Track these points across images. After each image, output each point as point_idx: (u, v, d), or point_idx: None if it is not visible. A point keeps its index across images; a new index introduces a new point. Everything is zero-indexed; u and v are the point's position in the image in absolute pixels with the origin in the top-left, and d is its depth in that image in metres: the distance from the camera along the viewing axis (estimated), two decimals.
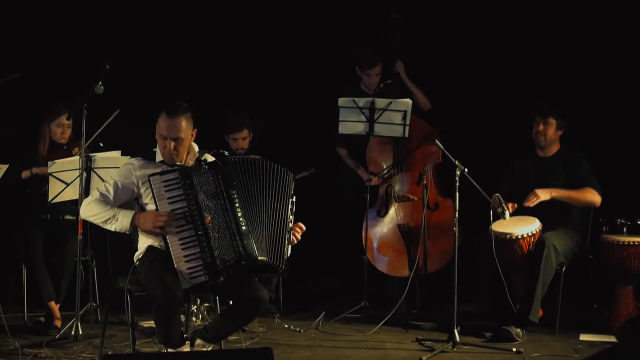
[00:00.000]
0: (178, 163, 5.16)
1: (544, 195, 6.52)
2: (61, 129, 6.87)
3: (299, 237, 5.23)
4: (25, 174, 6.75)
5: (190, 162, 5.21)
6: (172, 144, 5.12)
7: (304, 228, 5.26)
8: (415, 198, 7.19)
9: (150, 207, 5.10)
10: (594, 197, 6.59)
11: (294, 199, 5.20)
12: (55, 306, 6.61)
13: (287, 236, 5.11)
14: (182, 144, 5.15)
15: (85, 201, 5.19)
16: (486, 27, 7.91)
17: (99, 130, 6.31)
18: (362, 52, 7.44)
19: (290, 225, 5.15)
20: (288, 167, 6.61)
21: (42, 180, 6.65)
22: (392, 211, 7.28)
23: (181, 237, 4.97)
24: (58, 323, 6.54)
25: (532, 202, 6.50)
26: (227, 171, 5.07)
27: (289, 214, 5.15)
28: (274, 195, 5.13)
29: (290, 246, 5.17)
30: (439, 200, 7.19)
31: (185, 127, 5.14)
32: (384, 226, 7.30)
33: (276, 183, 5.15)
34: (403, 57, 7.45)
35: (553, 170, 6.72)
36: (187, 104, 5.24)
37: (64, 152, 6.81)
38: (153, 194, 4.99)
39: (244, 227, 4.99)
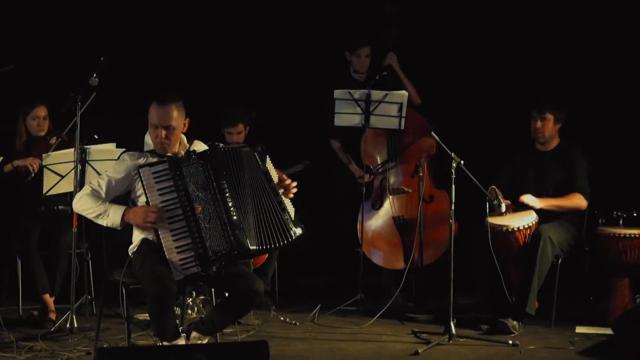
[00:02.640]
0: (169, 154, 5.14)
1: (534, 201, 6.51)
2: (37, 121, 6.83)
3: (292, 185, 5.20)
4: (7, 167, 6.70)
5: (182, 153, 5.19)
6: (164, 132, 5.10)
7: (294, 183, 5.24)
8: (410, 190, 7.18)
9: (142, 199, 5.09)
10: (580, 202, 6.58)
11: (266, 165, 5.16)
12: (49, 299, 6.60)
13: (279, 207, 5.09)
14: (174, 132, 5.13)
15: (78, 195, 5.17)
16: (485, 19, 7.89)
17: (77, 116, 6.22)
18: (351, 35, 7.46)
19: (277, 193, 5.12)
20: (284, 160, 6.61)
21: (25, 175, 6.63)
22: (387, 204, 7.26)
23: (172, 229, 4.96)
24: (52, 316, 6.53)
25: (524, 198, 6.49)
26: (216, 161, 5.05)
27: (267, 187, 5.10)
28: (251, 177, 5.10)
29: (290, 207, 5.15)
30: (433, 192, 7.18)
31: (177, 115, 5.12)
32: (379, 219, 7.29)
33: (248, 163, 5.12)
34: (400, 49, 7.43)
35: (551, 164, 6.70)
36: (177, 93, 5.22)
37: (43, 144, 6.76)
38: (143, 185, 4.98)
39: (235, 217, 4.97)
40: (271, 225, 5.05)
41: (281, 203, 5.13)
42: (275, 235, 5.05)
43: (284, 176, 5.26)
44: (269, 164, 5.22)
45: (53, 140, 6.75)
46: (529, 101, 6.86)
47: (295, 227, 5.11)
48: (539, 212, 6.52)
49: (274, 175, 5.21)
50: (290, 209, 5.17)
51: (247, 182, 5.09)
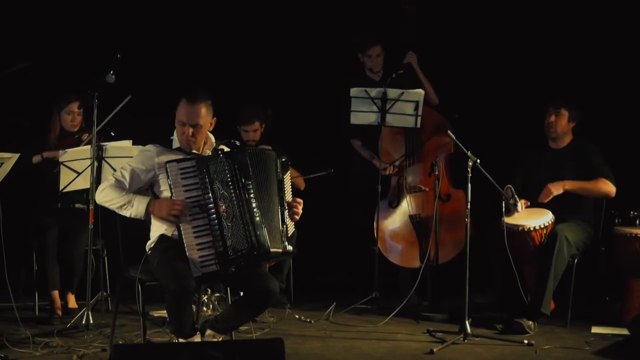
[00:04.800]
0: (194, 151, 5.16)
1: (556, 189, 6.50)
2: (71, 116, 6.87)
3: (299, 211, 5.23)
4: (36, 158, 6.75)
5: (208, 152, 5.21)
6: (191, 130, 5.12)
7: (301, 201, 5.27)
8: (427, 189, 7.17)
9: (165, 194, 5.09)
10: (607, 187, 6.56)
11: (283, 177, 5.19)
12: (57, 295, 6.64)
13: (283, 217, 5.11)
14: (201, 131, 5.15)
15: (101, 187, 5.18)
16: (499, 17, 7.88)
17: (109, 117, 6.30)
18: (360, 35, 7.46)
19: (284, 205, 5.15)
20: (302, 159, 6.61)
21: (53, 166, 6.66)
22: (403, 202, 7.25)
23: (195, 225, 4.97)
24: (59, 312, 6.58)
25: (546, 198, 6.48)
26: (243, 161, 5.06)
27: (282, 194, 5.14)
28: (275, 181, 5.14)
29: (293, 223, 5.18)
30: (450, 191, 7.16)
31: (205, 114, 5.14)
32: (396, 217, 7.27)
33: (274, 168, 5.15)
34: (417, 48, 7.42)
35: (565, 162, 6.69)
36: (207, 91, 5.23)
37: (75, 139, 6.80)
38: (169, 181, 4.98)
39: (257, 218, 4.99)
40: (283, 231, 5.11)
41: (283, 214, 5.14)
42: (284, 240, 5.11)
43: (297, 199, 5.27)
44: (287, 178, 5.24)
45: (85, 137, 6.78)
46: (545, 99, 6.85)
47: (287, 242, 5.13)
48: (556, 211, 6.49)
49: (288, 189, 5.23)
50: (290, 227, 5.19)
51: (272, 184, 5.12)
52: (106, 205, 5.17)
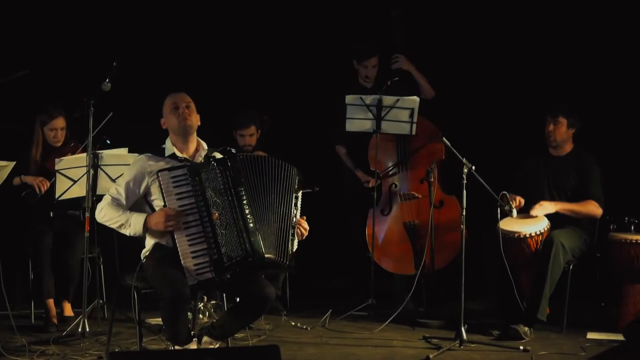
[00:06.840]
0: (186, 157, 5.17)
1: (549, 208, 6.50)
2: (54, 132, 6.81)
3: (305, 232, 5.23)
4: (15, 180, 6.70)
5: (200, 159, 5.22)
6: (186, 109, 5.22)
7: (307, 226, 5.28)
8: (420, 196, 7.16)
9: (158, 202, 5.11)
10: (596, 210, 6.58)
11: (299, 194, 5.21)
12: (52, 304, 6.63)
13: (291, 231, 5.13)
14: (193, 109, 5.26)
15: (99, 206, 5.22)
16: (496, 21, 7.89)
17: (94, 132, 6.24)
18: (361, 44, 7.47)
19: (295, 220, 5.17)
20: (296, 165, 6.63)
21: (32, 194, 6.66)
22: (396, 209, 7.25)
23: (188, 234, 4.98)
24: (55, 320, 6.58)
25: (536, 211, 6.48)
26: (235, 168, 5.08)
27: (292, 209, 5.16)
28: (279, 191, 5.15)
29: (296, 241, 5.19)
30: (443, 197, 7.15)
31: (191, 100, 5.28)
32: (388, 224, 7.26)
33: (281, 179, 5.16)
34: (406, 53, 7.42)
35: (564, 170, 6.69)
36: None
37: (59, 156, 6.69)
38: (161, 189, 5.00)
39: (251, 225, 4.99)
40: (283, 242, 5.11)
41: (293, 228, 5.16)
42: (284, 251, 5.12)
43: (304, 219, 5.28)
44: (299, 195, 5.26)
45: (68, 155, 6.71)
46: (541, 106, 6.86)
47: (290, 256, 5.14)
48: (551, 218, 6.51)
49: (298, 205, 5.24)
50: (295, 243, 5.20)
51: (271, 193, 5.11)
52: (107, 224, 5.21)
